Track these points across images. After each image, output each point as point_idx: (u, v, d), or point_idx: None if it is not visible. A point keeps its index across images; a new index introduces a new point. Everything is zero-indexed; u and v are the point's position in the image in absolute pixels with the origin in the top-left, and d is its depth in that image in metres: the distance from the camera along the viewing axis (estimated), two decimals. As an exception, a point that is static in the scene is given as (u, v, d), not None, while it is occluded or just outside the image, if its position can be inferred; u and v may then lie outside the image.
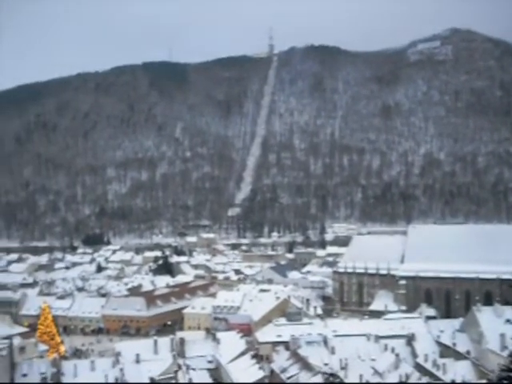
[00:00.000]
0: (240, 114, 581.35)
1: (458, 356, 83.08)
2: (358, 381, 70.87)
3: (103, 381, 66.85)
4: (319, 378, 70.87)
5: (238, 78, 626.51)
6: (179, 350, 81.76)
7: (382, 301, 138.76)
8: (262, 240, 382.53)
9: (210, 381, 74.04)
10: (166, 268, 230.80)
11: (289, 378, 75.55)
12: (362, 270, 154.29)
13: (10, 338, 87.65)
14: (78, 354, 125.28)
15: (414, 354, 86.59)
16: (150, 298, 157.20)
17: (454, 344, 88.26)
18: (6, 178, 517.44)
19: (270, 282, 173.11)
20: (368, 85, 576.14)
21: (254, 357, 79.96)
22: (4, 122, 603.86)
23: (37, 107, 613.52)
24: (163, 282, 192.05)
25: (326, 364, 77.88)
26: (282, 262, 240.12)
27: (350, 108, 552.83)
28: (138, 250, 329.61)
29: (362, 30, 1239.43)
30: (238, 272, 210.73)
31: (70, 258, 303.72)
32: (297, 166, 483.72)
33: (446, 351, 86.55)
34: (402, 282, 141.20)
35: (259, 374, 71.11)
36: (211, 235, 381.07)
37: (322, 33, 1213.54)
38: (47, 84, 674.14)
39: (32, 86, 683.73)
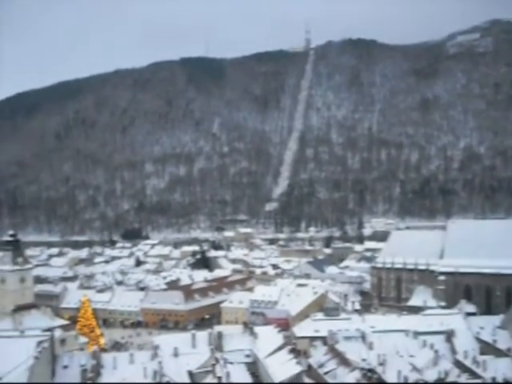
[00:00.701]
0: (277, 108, 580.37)
1: (499, 353, 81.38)
2: (396, 377, 70.19)
3: (142, 373, 67.47)
4: (357, 374, 70.41)
5: (274, 72, 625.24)
6: (217, 344, 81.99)
7: (420, 296, 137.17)
8: (300, 235, 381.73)
9: (248, 375, 74.11)
10: (204, 262, 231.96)
11: (326, 373, 75.27)
12: (401, 266, 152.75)
13: (51, 330, 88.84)
14: (117, 346, 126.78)
15: (454, 351, 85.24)
16: (188, 291, 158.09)
17: (495, 341, 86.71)
18: (47, 174, 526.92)
19: (307, 276, 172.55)
20: (406, 78, 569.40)
21: (291, 351, 79.74)
22: (44, 119, 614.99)
23: (76, 104, 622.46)
24: (201, 276, 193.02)
25: (363, 360, 77.36)
26: (320, 257, 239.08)
27: (387, 102, 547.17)
28: (176, 245, 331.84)
29: (400, 23, 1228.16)
30: (275, 267, 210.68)
31: (109, 252, 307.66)
32: (334, 161, 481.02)
33: (486, 348, 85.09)
34: (442, 277, 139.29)
35: (296, 369, 70.90)
36: (249, 230, 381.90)
37: (359, 26, 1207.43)
38: (86, 81, 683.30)
39: (71, 83, 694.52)
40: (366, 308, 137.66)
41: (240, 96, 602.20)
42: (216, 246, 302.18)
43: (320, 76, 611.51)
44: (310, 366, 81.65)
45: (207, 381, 67.83)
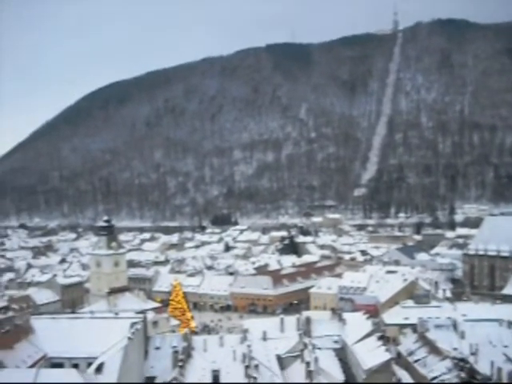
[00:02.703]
0: (365, 92, 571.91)
1: None
2: (488, 367, 68.07)
3: (231, 356, 68.39)
4: (448, 363, 68.77)
5: (362, 56, 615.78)
6: (305, 329, 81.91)
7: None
8: (389, 221, 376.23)
9: (336, 361, 73.86)
10: (292, 248, 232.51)
11: (416, 361, 73.96)
12: (495, 253, 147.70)
13: (144, 312, 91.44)
14: (206, 329, 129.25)
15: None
16: (277, 277, 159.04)
17: None
18: (138, 161, 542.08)
19: (396, 263, 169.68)
20: (499, 58, 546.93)
21: (380, 338, 78.64)
22: (135, 108, 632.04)
23: (165, 92, 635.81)
24: (289, 261, 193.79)
25: (455, 349, 75.39)
26: (410, 244, 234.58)
27: (480, 83, 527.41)
28: (265, 230, 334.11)
29: (492, 1, 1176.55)
30: (364, 253, 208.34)
31: (199, 237, 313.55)
32: (424, 145, 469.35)
33: None
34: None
35: (385, 356, 69.89)
36: (337, 216, 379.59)
37: (449, 6, 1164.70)
38: (175, 70, 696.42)
39: (160, 72, 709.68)
40: (457, 296, 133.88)
41: (327, 81, 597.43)
42: (304, 232, 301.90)
43: (409, 58, 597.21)
44: (399, 354, 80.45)
45: (296, 366, 68.02)
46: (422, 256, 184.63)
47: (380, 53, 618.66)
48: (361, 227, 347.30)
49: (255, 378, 58.21)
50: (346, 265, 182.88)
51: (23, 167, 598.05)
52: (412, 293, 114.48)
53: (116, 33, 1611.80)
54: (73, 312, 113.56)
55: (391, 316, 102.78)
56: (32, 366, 73.21)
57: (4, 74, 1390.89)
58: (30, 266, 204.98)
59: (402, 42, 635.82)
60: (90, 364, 71.26)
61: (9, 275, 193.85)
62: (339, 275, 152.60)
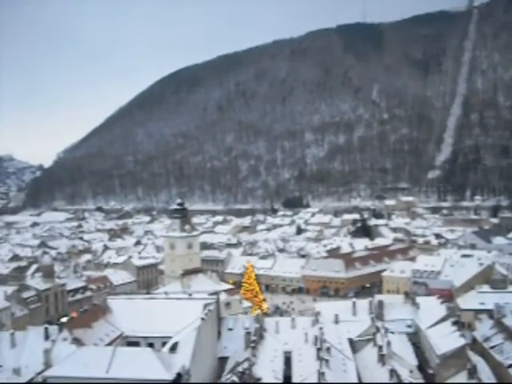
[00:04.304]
0: (439, 72, 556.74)
1: None
2: None
3: (303, 339, 68.61)
4: (526, 349, 66.89)
5: (435, 34, 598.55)
6: (378, 313, 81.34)
7: None
8: (464, 203, 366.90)
9: (409, 345, 73.09)
10: (365, 231, 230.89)
11: (492, 347, 72.16)
12: None
13: (217, 293, 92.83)
14: (278, 311, 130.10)
15: None
16: (349, 260, 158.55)
17: None
18: (211, 145, 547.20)
19: (472, 247, 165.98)
20: None
21: (454, 323, 77.15)
22: (207, 92, 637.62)
23: (236, 76, 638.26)
24: (361, 244, 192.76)
25: (533, 335, 73.26)
26: (486, 227, 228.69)
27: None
28: (337, 213, 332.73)
29: None
30: (438, 236, 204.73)
31: (270, 220, 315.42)
32: (502, 125, 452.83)
33: None
34: None
35: (460, 342, 68.50)
36: (410, 198, 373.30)
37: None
38: (245, 53, 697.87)
39: (231, 56, 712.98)
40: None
41: (399, 61, 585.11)
42: (377, 215, 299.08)
43: (485, 36, 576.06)
44: (474, 340, 78.68)
45: (368, 349, 67.66)
46: (498, 240, 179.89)
47: (454, 31, 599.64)
48: (435, 210, 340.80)
49: (327, 360, 58.23)
50: (420, 248, 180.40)
51: (99, 152, 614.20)
52: (488, 277, 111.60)
53: (187, 18, 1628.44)
54: (148, 293, 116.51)
55: (466, 301, 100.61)
56: (109, 344, 75.76)
57: (81, 61, 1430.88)
58: (106, 248, 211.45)
59: (478, 19, 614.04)
60: (164, 343, 73.11)
61: (86, 256, 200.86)
62: (412, 259, 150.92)
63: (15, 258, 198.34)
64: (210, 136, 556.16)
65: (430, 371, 67.67)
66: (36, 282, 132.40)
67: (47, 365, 67.29)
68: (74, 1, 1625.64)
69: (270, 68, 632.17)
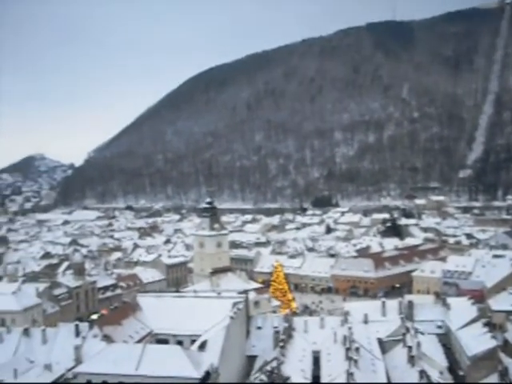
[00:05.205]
0: (470, 70, 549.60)
1: None
2: None
3: (332, 338, 68.41)
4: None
5: (466, 32, 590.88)
6: (407, 313, 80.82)
7: None
8: (496, 203, 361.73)
9: (439, 346, 72.54)
10: (395, 230, 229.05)
11: (525, 348, 71.33)
12: None
13: (246, 292, 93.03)
14: (307, 311, 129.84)
15: None
16: (379, 259, 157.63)
17: None
18: (240, 144, 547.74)
19: (504, 247, 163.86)
20: None
21: (485, 325, 76.33)
22: (236, 91, 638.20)
23: (265, 75, 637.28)
24: (391, 244, 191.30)
25: None
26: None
27: None
28: (366, 212, 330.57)
29: None
30: (469, 236, 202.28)
31: (300, 219, 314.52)
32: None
33: None
34: None
35: (491, 343, 67.72)
36: (441, 198, 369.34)
37: None
38: (274, 52, 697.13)
39: (260, 55, 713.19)
40: None
41: (430, 59, 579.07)
42: (407, 214, 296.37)
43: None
44: (506, 341, 77.73)
45: (397, 350, 67.20)
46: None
47: (486, 28, 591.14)
48: (466, 210, 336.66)
49: (356, 360, 58.01)
50: (451, 248, 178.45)
51: (129, 151, 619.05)
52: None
53: (217, 17, 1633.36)
54: (177, 291, 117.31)
55: (498, 302, 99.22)
56: (139, 342, 76.48)
57: (112, 61, 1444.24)
58: (136, 246, 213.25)
59: (510, 16, 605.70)
60: (193, 341, 73.57)
61: (117, 254, 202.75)
62: (443, 259, 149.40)
63: (47, 255, 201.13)
64: (238, 135, 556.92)
65: (461, 373, 67.08)
66: (67, 280, 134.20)
67: (78, 361, 68.23)
68: (105, 1, 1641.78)
69: (299, 66, 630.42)
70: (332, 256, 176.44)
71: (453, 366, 68.24)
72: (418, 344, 64.21)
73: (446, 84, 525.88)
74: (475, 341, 69.89)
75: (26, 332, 78.67)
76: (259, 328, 79.52)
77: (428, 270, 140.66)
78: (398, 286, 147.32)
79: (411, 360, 60.69)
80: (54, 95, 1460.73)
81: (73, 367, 67.19)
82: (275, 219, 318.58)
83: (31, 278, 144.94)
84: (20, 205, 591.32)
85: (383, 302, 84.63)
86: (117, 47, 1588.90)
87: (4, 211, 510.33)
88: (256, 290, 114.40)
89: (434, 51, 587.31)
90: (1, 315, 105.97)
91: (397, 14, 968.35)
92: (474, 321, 77.05)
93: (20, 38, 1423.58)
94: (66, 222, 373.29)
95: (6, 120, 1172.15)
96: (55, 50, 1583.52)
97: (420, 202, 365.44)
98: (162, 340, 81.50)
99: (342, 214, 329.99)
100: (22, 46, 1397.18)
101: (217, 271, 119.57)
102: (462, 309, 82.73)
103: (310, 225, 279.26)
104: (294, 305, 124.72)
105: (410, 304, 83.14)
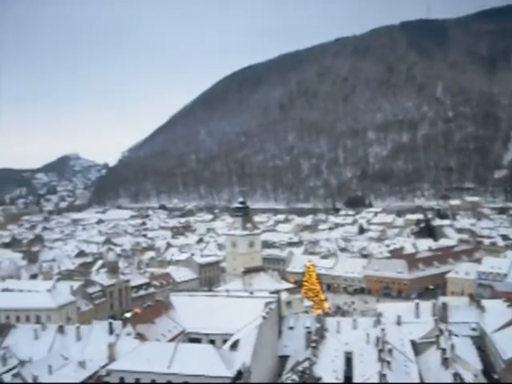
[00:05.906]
0: (506, 68, 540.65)
1: None
2: None
3: (365, 339, 68.04)
4: None
5: (502, 30, 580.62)
6: (441, 315, 79.97)
7: None
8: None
9: (474, 349, 71.64)
10: (429, 231, 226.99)
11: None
12: None
13: (278, 292, 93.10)
14: (340, 311, 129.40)
15: None
16: (412, 260, 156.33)
17: None
18: (272, 144, 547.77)
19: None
20: None
21: (522, 328, 75.29)
22: (269, 91, 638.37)
23: (298, 74, 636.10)
24: (425, 245, 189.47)
25: None
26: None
27: None
28: (400, 213, 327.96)
29: None
30: (505, 237, 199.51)
31: (332, 219, 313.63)
32: None
33: None
34: None
35: (527, 346, 66.80)
36: (476, 198, 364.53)
37: None
38: (307, 51, 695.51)
39: (293, 54, 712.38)
40: None
41: (465, 58, 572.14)
42: (441, 215, 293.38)
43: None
44: (542, 345, 76.49)
45: (431, 352, 66.54)
46: None
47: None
48: (502, 210, 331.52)
49: (389, 362, 57.61)
50: (486, 250, 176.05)
51: (162, 151, 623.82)
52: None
53: (250, 17, 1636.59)
54: (209, 290, 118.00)
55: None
56: (171, 340, 77.05)
57: (147, 62, 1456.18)
58: (169, 245, 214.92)
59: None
60: (225, 340, 73.83)
61: (150, 253, 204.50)
62: (478, 260, 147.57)
63: (81, 253, 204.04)
64: (271, 135, 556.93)
65: (495, 376, 66.20)
66: (101, 278, 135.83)
67: (111, 358, 69.03)
68: (142, 1, 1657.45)
69: (332, 66, 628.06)
70: (365, 256, 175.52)
71: (487, 369, 67.37)
72: (452, 346, 63.55)
73: (481, 83, 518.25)
74: (511, 344, 68.91)
75: (60, 329, 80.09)
76: (291, 328, 79.46)
77: (462, 271, 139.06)
78: (431, 287, 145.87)
79: (445, 362, 60.07)
80: (90, 96, 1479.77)
81: (106, 364, 68.03)
82: (308, 219, 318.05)
83: (66, 276, 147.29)
84: (55, 204, 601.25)
85: (417, 304, 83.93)
86: (154, 48, 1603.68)
87: (39, 210, 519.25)
88: (288, 290, 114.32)
89: (469, 50, 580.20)
90: (36, 312, 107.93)
91: (431, 12, 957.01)
92: (509, 323, 75.93)
93: (55, 36, 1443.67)
94: (100, 221, 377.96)
95: (42, 120, 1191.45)
96: (90, 50, 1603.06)
97: (454, 202, 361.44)
98: (194, 339, 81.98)
99: (375, 214, 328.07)
100: (60, 46, 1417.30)
101: (249, 271, 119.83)
102: (496, 311, 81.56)
103: (342, 225, 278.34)
104: (326, 305, 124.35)
105: (444, 306, 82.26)
